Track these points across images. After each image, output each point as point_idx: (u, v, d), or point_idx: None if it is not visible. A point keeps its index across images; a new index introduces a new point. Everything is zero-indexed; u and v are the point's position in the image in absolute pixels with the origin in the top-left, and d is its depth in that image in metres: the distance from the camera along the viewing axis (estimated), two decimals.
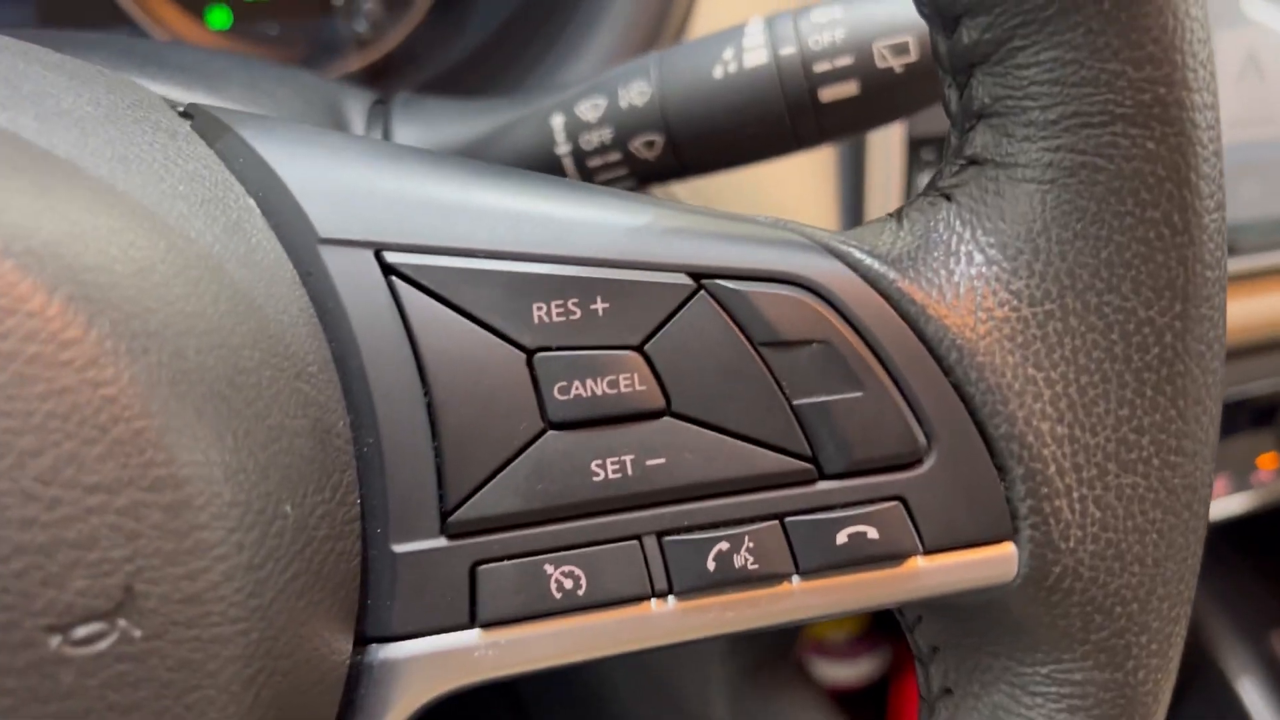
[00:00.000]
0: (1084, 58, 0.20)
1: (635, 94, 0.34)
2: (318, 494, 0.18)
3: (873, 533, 0.21)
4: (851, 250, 0.21)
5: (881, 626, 0.83)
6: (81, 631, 0.15)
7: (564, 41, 0.43)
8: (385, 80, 0.51)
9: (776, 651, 0.66)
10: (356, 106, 0.37)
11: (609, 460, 0.20)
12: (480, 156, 0.36)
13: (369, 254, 0.20)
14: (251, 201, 0.21)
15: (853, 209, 0.48)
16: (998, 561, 0.22)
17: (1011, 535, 0.22)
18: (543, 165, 0.36)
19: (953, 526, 0.21)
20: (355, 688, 0.20)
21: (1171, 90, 0.20)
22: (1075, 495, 0.21)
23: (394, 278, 0.20)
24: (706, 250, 0.21)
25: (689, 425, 0.20)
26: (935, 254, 0.21)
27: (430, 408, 0.20)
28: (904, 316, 0.21)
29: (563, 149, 0.35)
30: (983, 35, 0.21)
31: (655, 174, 0.35)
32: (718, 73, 0.33)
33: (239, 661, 0.16)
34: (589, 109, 0.35)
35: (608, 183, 0.36)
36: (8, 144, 0.17)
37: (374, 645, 0.20)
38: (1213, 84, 0.21)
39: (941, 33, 0.22)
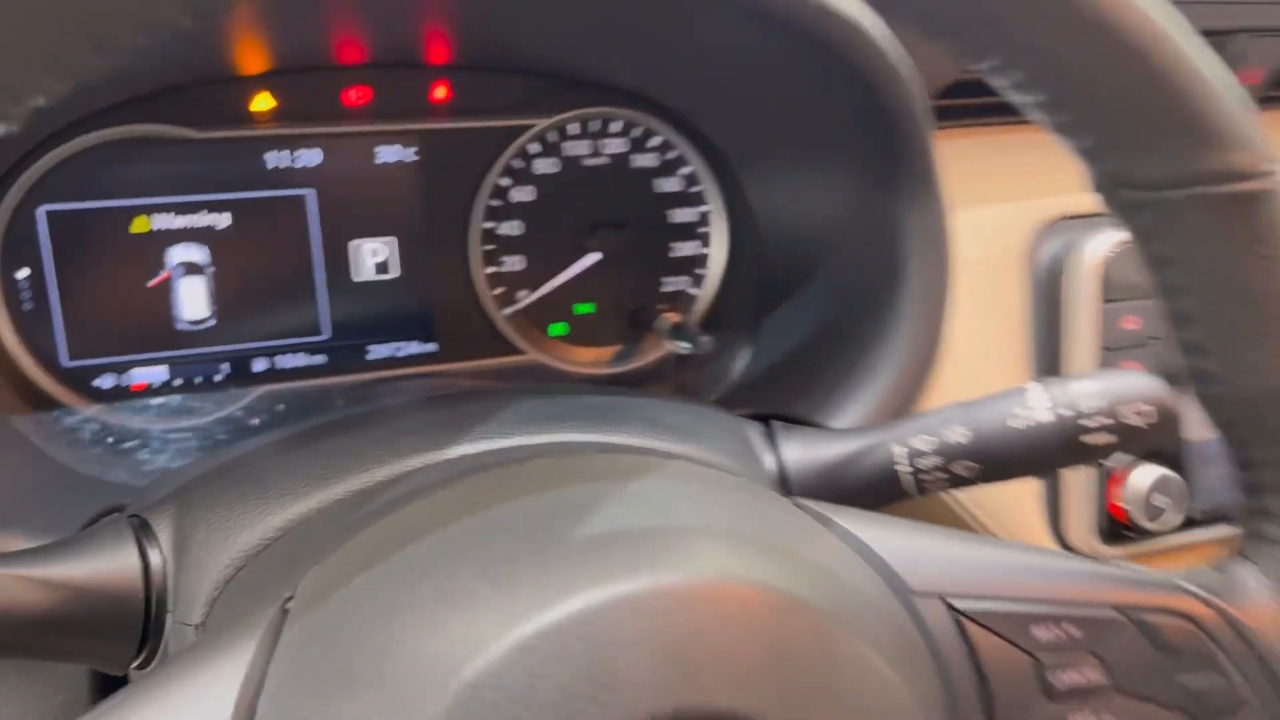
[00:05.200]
0: None
1: (958, 435, 0.51)
2: None
3: None
4: (1209, 595, 0.38)
5: None
6: None
7: (849, 382, 0.60)
8: (690, 390, 0.68)
9: None
10: (752, 431, 0.54)
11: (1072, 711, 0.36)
12: (846, 470, 0.52)
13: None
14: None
15: (1047, 356, 0.65)
16: None
17: None
18: (887, 477, 0.52)
19: None
20: None
21: None
22: None
23: (959, 616, 0.36)
24: (1126, 593, 0.37)
25: (1128, 696, 0.36)
26: (1249, 600, 0.38)
27: (982, 676, 0.36)
28: (1245, 634, 0.37)
29: (903, 468, 0.52)
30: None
31: (963, 484, 0.52)
32: (1014, 423, 0.50)
33: None
34: (922, 443, 0.52)
35: (931, 488, 0.53)
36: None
37: None
38: None
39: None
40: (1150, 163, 0.34)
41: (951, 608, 0.36)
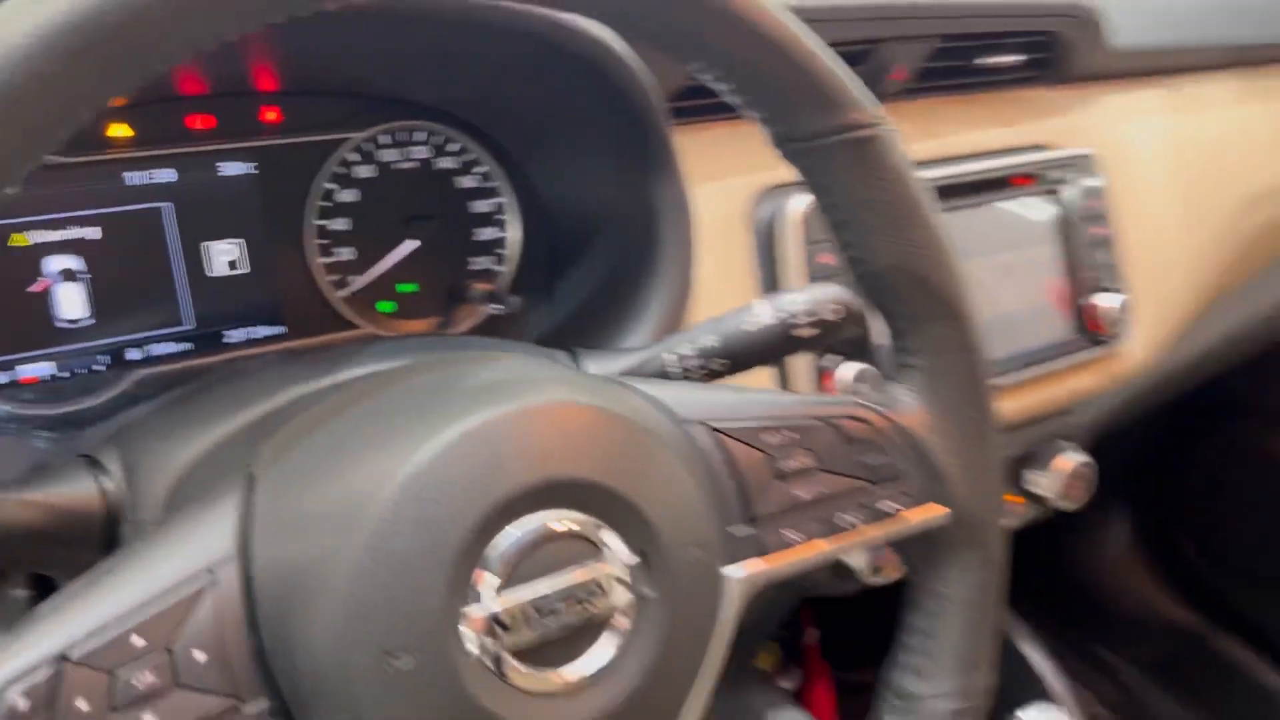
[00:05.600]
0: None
1: (710, 340, 0.69)
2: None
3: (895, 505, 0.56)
4: (876, 406, 0.58)
5: (792, 658, 1.17)
6: None
7: (628, 318, 0.78)
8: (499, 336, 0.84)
9: (745, 657, 0.98)
10: (559, 357, 0.71)
11: (794, 486, 0.55)
12: (634, 374, 0.70)
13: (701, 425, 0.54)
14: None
15: (769, 285, 0.85)
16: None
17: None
18: (661, 375, 0.70)
19: (923, 497, 0.57)
20: None
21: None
22: (960, 478, 0.58)
23: (718, 434, 0.54)
24: (823, 409, 0.56)
25: (829, 473, 0.55)
26: (900, 407, 0.58)
27: (735, 469, 0.54)
28: (899, 429, 0.57)
29: (674, 369, 0.70)
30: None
31: (718, 376, 0.71)
32: (748, 328, 0.69)
33: None
34: (685, 349, 0.70)
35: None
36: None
37: None
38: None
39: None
40: (802, 124, 0.53)
41: (711, 428, 0.54)
